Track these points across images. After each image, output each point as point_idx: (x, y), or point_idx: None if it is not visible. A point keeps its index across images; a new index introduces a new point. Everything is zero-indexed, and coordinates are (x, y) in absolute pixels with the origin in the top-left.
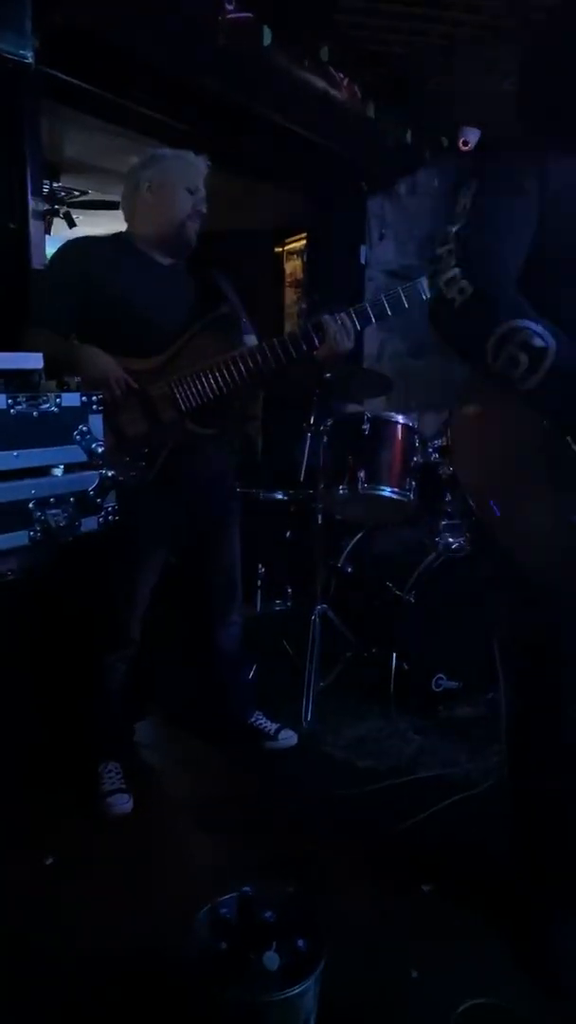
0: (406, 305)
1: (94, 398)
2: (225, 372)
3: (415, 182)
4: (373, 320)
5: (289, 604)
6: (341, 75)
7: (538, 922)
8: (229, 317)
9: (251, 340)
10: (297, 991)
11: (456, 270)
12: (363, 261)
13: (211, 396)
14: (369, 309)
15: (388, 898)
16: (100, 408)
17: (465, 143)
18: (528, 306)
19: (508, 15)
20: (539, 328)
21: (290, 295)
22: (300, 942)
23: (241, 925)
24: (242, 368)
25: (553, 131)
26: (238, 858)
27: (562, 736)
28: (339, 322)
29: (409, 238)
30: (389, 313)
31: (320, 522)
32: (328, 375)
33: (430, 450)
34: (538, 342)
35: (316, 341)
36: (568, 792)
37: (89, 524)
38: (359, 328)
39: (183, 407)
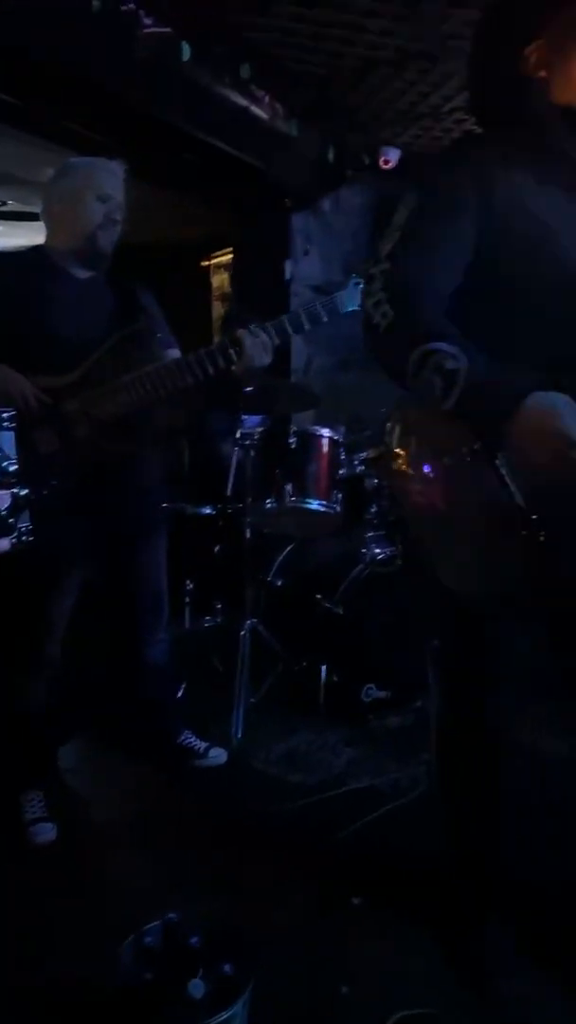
0: (324, 319)
1: (4, 415)
2: (139, 388)
3: (338, 199)
4: (290, 334)
5: (218, 620)
6: (263, 92)
7: (468, 929)
8: (146, 331)
9: (173, 354)
10: (223, 1018)
11: (382, 293)
12: (288, 276)
13: (125, 412)
14: (287, 323)
15: (318, 913)
16: (11, 425)
17: (386, 162)
18: (447, 326)
19: (423, 39)
20: (452, 349)
21: (218, 308)
22: (227, 967)
23: (166, 953)
24: (156, 384)
25: (502, 143)
26: (167, 881)
27: (488, 744)
28: (256, 337)
29: (334, 254)
30: (306, 327)
31: (249, 536)
32: (249, 389)
33: (356, 462)
34: (451, 364)
35: (234, 355)
36: (494, 799)
37: (2, 545)
38: (276, 342)
39: (96, 424)
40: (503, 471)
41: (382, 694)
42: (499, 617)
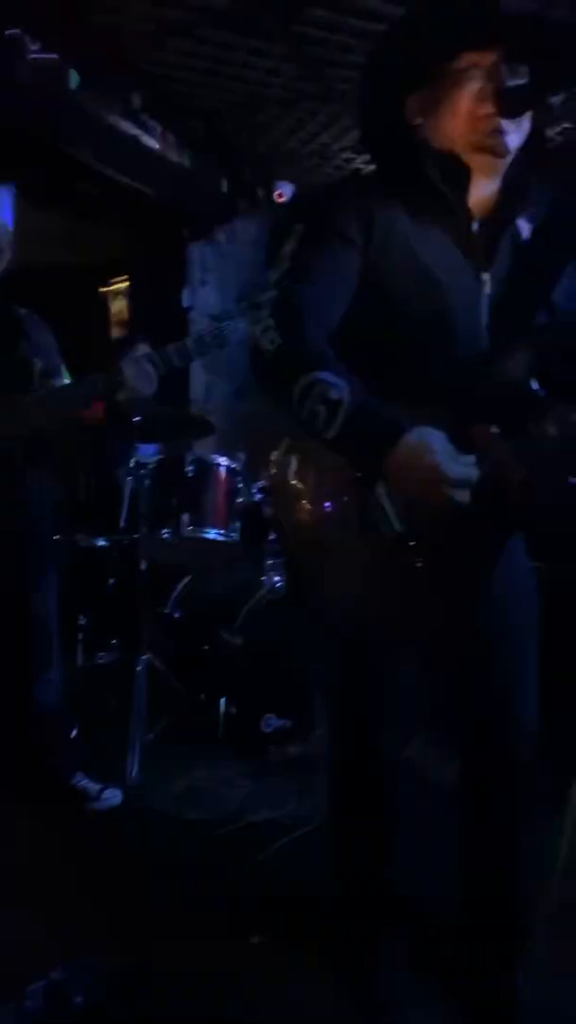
0: (214, 347)
1: None
2: (15, 419)
3: (234, 230)
4: (176, 364)
5: (113, 655)
6: (154, 123)
7: (362, 959)
8: (25, 360)
9: (58, 383)
10: None
11: (270, 320)
12: (185, 304)
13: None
14: (172, 353)
15: (215, 955)
16: None
17: (280, 196)
18: (332, 356)
19: (309, 80)
20: (337, 380)
21: (116, 334)
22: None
23: (50, 1014)
24: (34, 414)
25: (387, 183)
26: (52, 936)
27: (375, 771)
28: (139, 366)
29: (231, 284)
30: (192, 357)
31: (144, 568)
32: (137, 418)
33: (254, 490)
34: (334, 394)
35: (120, 384)
36: (381, 825)
37: None
38: (162, 372)
39: None
40: (382, 500)
41: (282, 723)
42: (380, 643)
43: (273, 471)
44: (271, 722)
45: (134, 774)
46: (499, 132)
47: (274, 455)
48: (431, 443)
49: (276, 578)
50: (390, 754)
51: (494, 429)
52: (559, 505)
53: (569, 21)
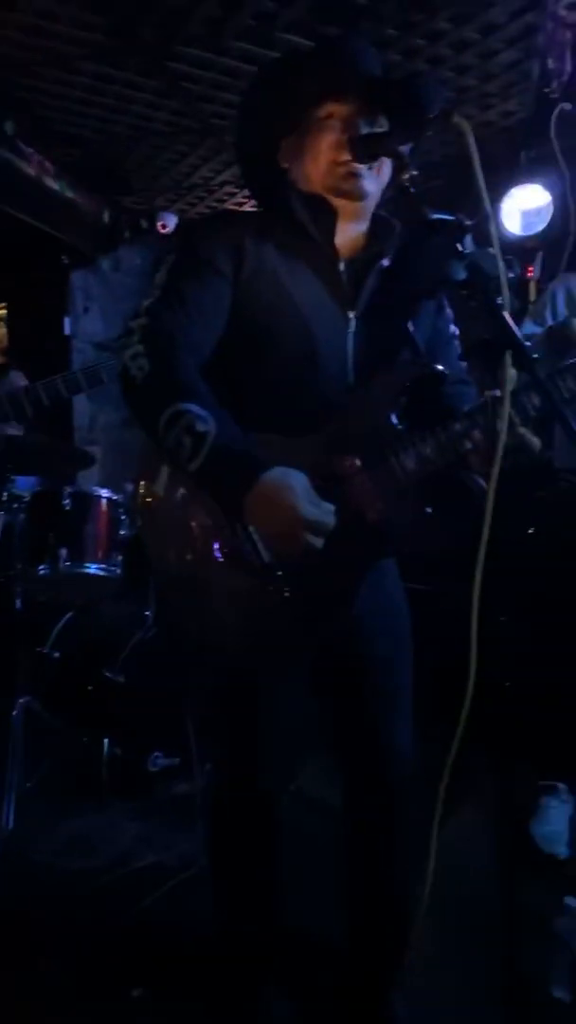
0: (98, 382)
1: None
2: None
3: (118, 259)
4: (64, 395)
5: None
6: (31, 150)
7: (243, 998)
8: None
9: None
10: None
11: (139, 346)
12: (67, 332)
13: None
14: (41, 392)
15: (91, 1013)
16: None
17: (163, 226)
18: (201, 385)
19: (188, 115)
20: (202, 412)
21: None
22: None
23: None
24: None
25: (260, 219)
26: None
27: (259, 803)
28: (11, 399)
29: (115, 312)
30: (83, 388)
31: (20, 606)
32: None
33: (139, 522)
34: (200, 426)
35: None
36: (257, 864)
37: None
38: (46, 403)
39: None
40: (250, 531)
41: (170, 761)
42: (256, 673)
43: (141, 500)
44: (158, 761)
45: (10, 825)
46: (355, 176)
47: (142, 484)
48: (291, 484)
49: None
50: (269, 787)
51: (356, 461)
52: (417, 532)
53: (415, 80)
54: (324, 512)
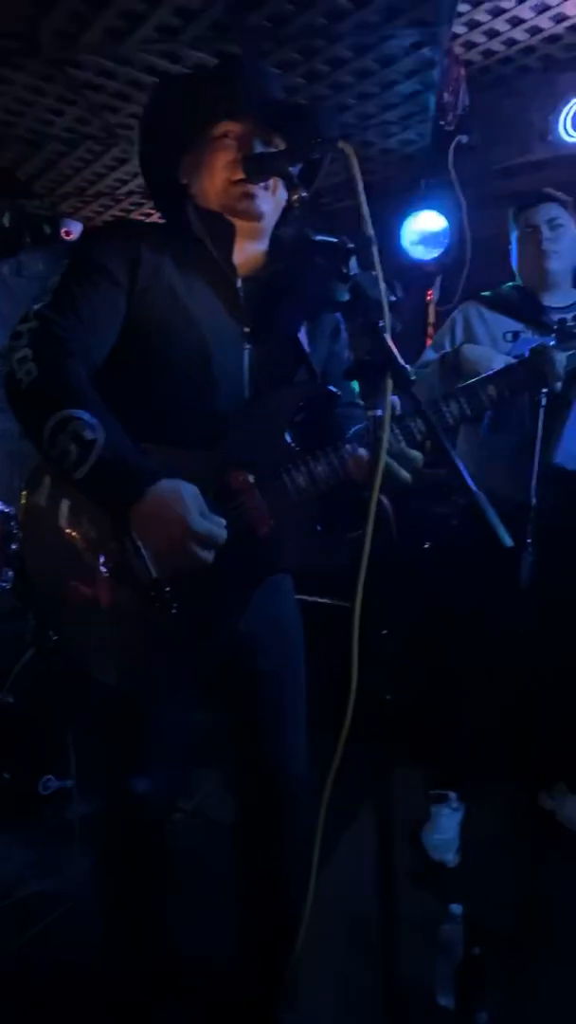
0: None
1: None
2: None
3: (20, 264)
4: None
5: None
6: None
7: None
8: None
9: None
10: None
11: (28, 350)
12: None
13: None
14: None
15: None
16: None
17: (68, 233)
18: (91, 392)
19: (92, 123)
20: (91, 420)
21: None
22: None
23: None
24: None
25: (160, 231)
26: None
27: (140, 834)
28: None
29: (15, 318)
30: None
31: None
32: None
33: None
34: (88, 434)
35: None
36: (144, 888)
37: None
38: None
39: None
40: (138, 544)
41: (64, 783)
42: (143, 692)
43: (23, 511)
44: (50, 783)
45: None
46: (250, 197)
47: (23, 495)
48: (181, 495)
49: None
50: (158, 809)
51: (249, 477)
52: (306, 548)
53: (308, 104)
54: (215, 525)
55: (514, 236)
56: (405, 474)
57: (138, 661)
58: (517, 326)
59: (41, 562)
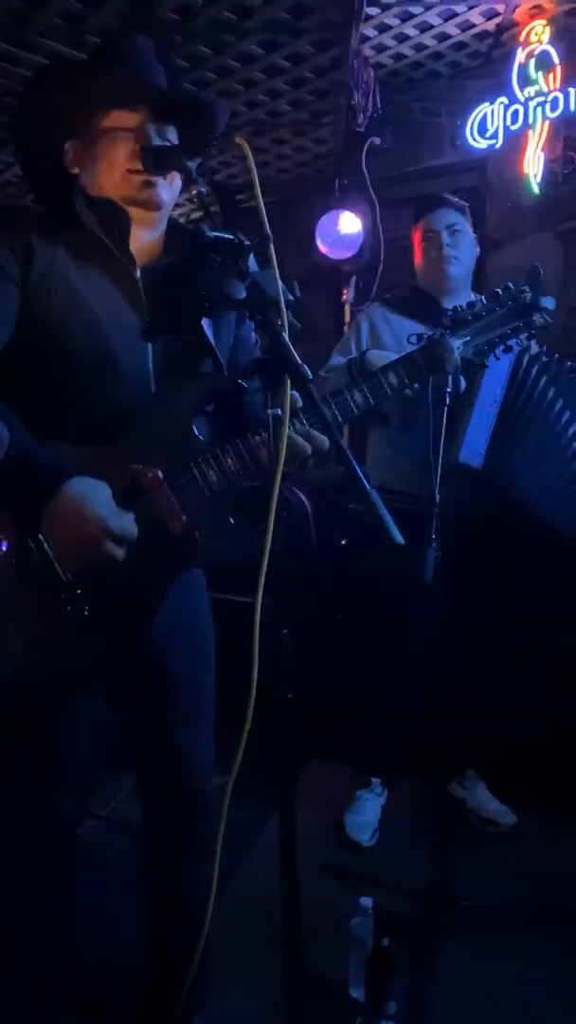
0: None
1: None
2: None
3: None
4: None
5: None
6: None
7: None
8: None
9: None
10: None
11: None
12: None
13: None
14: None
15: None
16: None
17: None
18: None
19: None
20: None
21: None
22: None
23: None
24: None
25: (49, 221)
26: None
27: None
28: None
29: None
30: None
31: None
32: None
33: None
34: None
35: None
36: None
37: None
38: None
39: None
40: (46, 547)
41: None
42: (52, 695)
43: None
44: None
45: None
46: (150, 186)
47: None
48: (94, 493)
49: None
50: (69, 814)
51: (158, 472)
52: (220, 544)
53: (202, 94)
54: (126, 522)
55: (414, 239)
56: (308, 448)
57: (45, 666)
58: (420, 328)
59: None
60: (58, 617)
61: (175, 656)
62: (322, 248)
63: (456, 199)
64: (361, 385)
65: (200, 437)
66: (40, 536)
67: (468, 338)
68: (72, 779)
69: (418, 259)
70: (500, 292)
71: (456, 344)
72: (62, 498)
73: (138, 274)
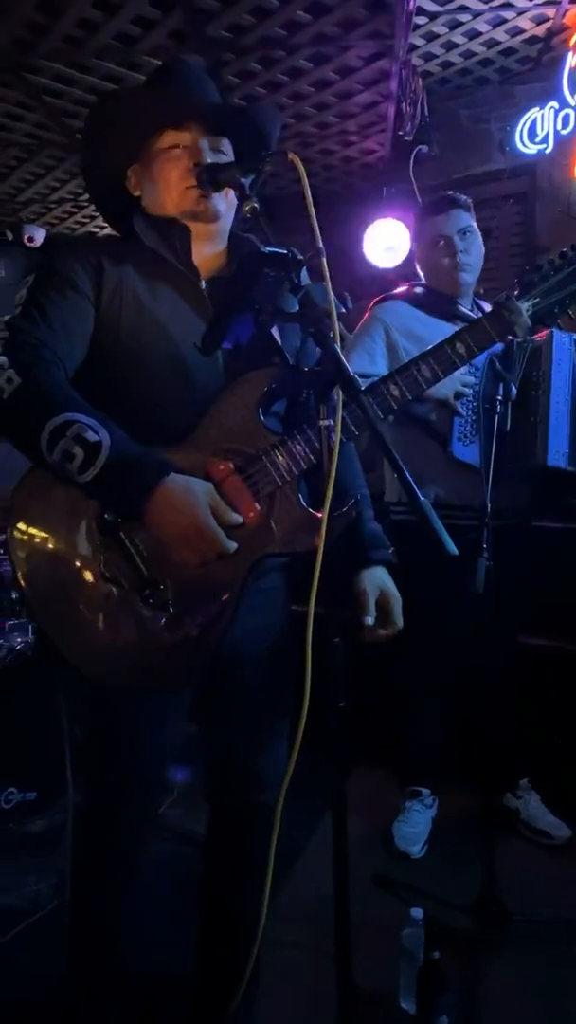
0: None
1: None
2: None
3: None
4: None
5: None
6: None
7: None
8: None
9: None
10: None
11: (2, 358)
12: None
13: None
14: None
15: None
16: None
17: (31, 239)
18: (76, 396)
19: (52, 128)
20: (91, 421)
21: None
22: None
23: None
24: None
25: (118, 241)
26: None
27: (116, 842)
28: None
29: None
30: None
31: None
32: None
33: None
34: (92, 436)
35: None
36: (119, 901)
37: None
38: None
39: None
40: (127, 543)
41: (27, 796)
42: (135, 693)
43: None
44: (12, 797)
45: None
46: (206, 198)
47: (7, 503)
48: (194, 489)
49: (18, 639)
50: (141, 812)
51: (230, 464)
52: (299, 533)
53: (253, 107)
54: (231, 518)
55: (418, 240)
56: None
57: (134, 665)
58: (448, 326)
59: (30, 569)
60: (145, 619)
61: (248, 667)
62: (369, 257)
63: (463, 197)
64: (428, 359)
65: (267, 427)
66: (122, 535)
67: (537, 299)
68: (149, 782)
69: (426, 264)
70: (568, 250)
71: (526, 306)
72: (163, 492)
73: (203, 285)
